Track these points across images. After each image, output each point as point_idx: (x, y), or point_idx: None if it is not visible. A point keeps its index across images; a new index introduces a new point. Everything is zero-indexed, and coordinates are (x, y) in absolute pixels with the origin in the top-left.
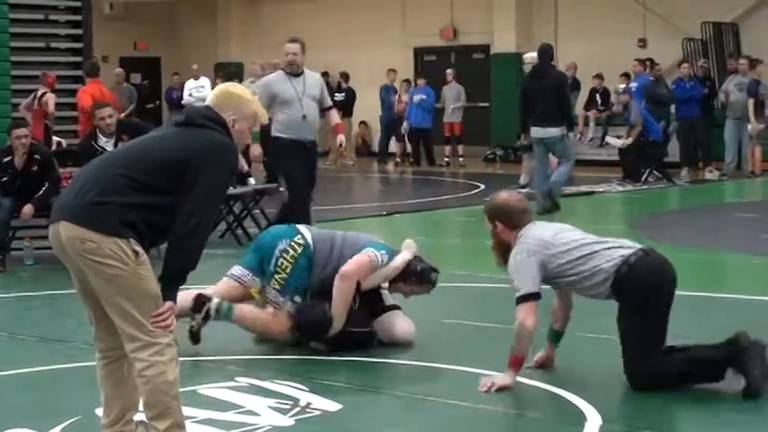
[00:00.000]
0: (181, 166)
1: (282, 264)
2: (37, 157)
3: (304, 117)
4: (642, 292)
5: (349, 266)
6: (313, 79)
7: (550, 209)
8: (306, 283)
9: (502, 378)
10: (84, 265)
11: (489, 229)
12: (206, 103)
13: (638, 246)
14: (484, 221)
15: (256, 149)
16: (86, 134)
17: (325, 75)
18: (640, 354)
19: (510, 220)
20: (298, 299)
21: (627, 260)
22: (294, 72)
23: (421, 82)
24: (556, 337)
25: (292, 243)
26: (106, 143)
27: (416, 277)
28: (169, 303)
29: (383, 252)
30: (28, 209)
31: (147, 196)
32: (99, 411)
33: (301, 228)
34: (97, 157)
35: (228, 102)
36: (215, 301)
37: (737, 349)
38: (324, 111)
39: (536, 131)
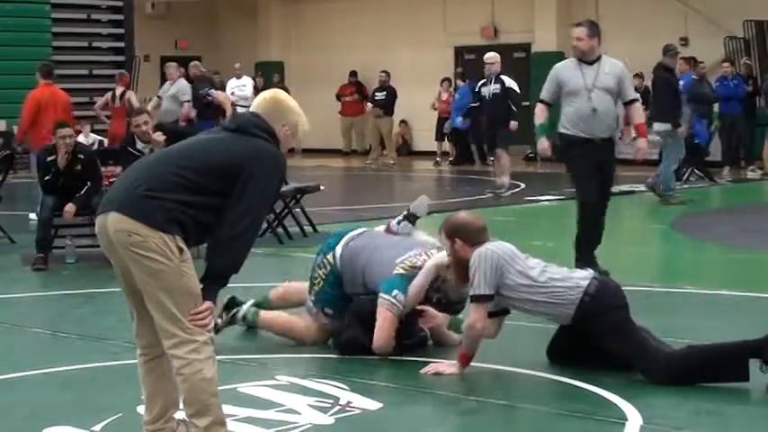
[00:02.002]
0: (233, 171)
1: (317, 278)
2: (81, 156)
3: (594, 111)
4: (613, 310)
5: (376, 342)
6: (610, 68)
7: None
8: (336, 296)
9: (448, 368)
10: (128, 259)
11: (447, 247)
12: (254, 110)
13: (591, 273)
14: (440, 237)
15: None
16: (125, 137)
17: (353, 74)
18: (644, 360)
19: (469, 237)
20: (329, 310)
21: (587, 290)
22: (584, 59)
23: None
24: None
25: (325, 259)
26: (144, 147)
27: (438, 308)
28: (208, 303)
29: (396, 292)
30: (70, 207)
31: (198, 196)
32: (140, 409)
33: (341, 242)
34: (151, 154)
35: (279, 113)
36: (245, 307)
37: (762, 342)
38: (625, 105)
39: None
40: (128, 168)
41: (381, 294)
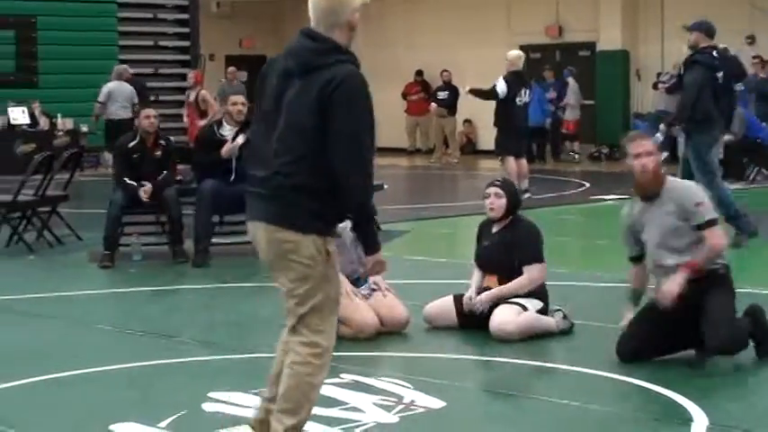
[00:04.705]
0: (323, 121)
1: None
2: (162, 142)
3: None
4: None
5: None
6: None
7: None
8: None
9: (676, 284)
10: (280, 265)
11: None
12: (313, 25)
13: None
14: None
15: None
16: (206, 126)
17: (419, 73)
18: (727, 321)
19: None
20: None
21: None
22: None
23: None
24: (637, 297)
25: None
26: (230, 131)
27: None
28: (371, 257)
29: None
30: (148, 188)
31: (321, 177)
32: (205, 406)
33: None
34: (266, 146)
35: (343, 6)
36: None
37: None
38: None
39: None
40: (250, 163)
41: None
